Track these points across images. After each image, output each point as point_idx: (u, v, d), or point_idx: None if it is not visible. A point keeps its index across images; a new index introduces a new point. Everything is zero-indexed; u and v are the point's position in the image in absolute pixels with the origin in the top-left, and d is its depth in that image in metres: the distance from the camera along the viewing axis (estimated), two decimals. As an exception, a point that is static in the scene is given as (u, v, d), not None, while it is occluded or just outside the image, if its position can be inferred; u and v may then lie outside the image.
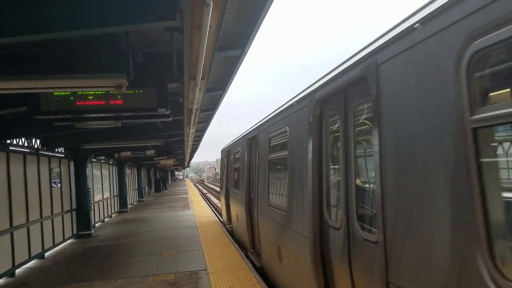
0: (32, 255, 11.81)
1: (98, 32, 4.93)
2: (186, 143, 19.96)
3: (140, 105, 7.19)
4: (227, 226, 15.87)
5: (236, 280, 8.73)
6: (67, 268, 11.22)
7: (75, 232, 15.80)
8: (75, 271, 10.73)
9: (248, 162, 10.45)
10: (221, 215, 30.61)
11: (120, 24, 4.74)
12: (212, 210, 26.68)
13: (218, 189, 73.89)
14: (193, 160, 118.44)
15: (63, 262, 11.98)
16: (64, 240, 14.68)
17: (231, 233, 14.68)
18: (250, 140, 10.29)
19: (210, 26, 3.74)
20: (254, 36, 6.68)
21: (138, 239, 15.01)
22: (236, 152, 12.95)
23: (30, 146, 12.67)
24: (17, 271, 10.89)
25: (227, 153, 15.70)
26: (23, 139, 12.10)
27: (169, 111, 7.33)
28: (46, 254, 12.94)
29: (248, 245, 11.02)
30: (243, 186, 10.82)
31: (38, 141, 13.27)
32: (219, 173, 19.62)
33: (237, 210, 12.51)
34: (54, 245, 13.66)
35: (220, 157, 18.67)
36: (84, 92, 6.80)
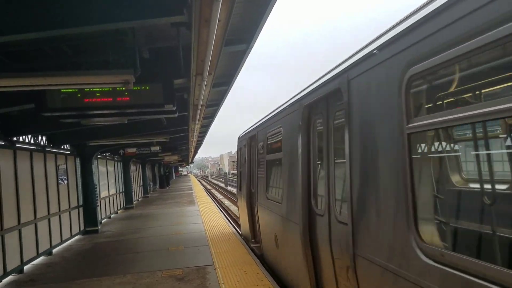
0: (40, 251, 11.89)
1: (105, 28, 4.93)
2: (190, 139, 20.00)
3: (146, 102, 7.19)
4: (252, 245, 10.99)
5: (244, 274, 8.75)
6: (75, 264, 11.29)
7: (82, 228, 15.89)
8: (83, 267, 10.80)
9: (306, 149, 5.82)
10: (226, 211, 30.78)
11: (127, 20, 4.73)
12: (217, 206, 26.78)
13: (222, 185, 73.23)
14: (197, 156, 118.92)
15: (71, 258, 12.06)
16: (72, 236, 14.77)
17: (260, 257, 10.06)
18: (311, 108, 5.74)
19: (219, 21, 3.73)
20: (261, 30, 6.66)
21: (144, 234, 15.08)
22: (271, 136, 8.21)
23: (37, 143, 12.73)
24: (26, 267, 10.97)
25: (249, 140, 10.99)
26: (29, 136, 12.15)
27: (175, 107, 7.33)
28: (54, 250, 13.02)
29: None
30: (295, 191, 6.17)
31: (44, 138, 13.32)
32: (237, 168, 14.28)
33: (278, 230, 7.64)
34: (62, 242, 13.75)
35: (236, 148, 14.19)
36: (91, 89, 6.81)
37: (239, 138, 13.27)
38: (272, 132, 8.06)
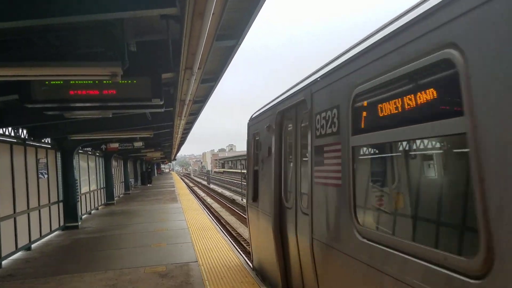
0: (19, 246, 11.63)
1: (95, 19, 4.84)
2: (175, 135, 19.86)
3: (133, 95, 7.10)
4: None
5: (227, 271, 8.75)
6: (55, 260, 11.08)
7: (62, 223, 15.60)
8: (64, 263, 10.61)
9: None
10: (208, 209, 30.65)
11: (118, 11, 4.67)
12: (200, 204, 26.73)
13: (205, 182, 72.03)
14: (179, 154, 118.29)
15: (51, 254, 11.83)
16: (51, 231, 14.49)
17: None
18: None
19: (213, 14, 3.71)
20: (250, 26, 6.64)
21: (126, 231, 14.91)
22: (382, 88, 3.29)
23: (17, 136, 12.44)
24: (4, 262, 10.72)
25: (279, 117, 6.35)
26: (9, 129, 11.88)
27: (162, 101, 7.27)
28: (33, 245, 12.75)
29: None
30: None
31: (25, 131, 13.04)
32: (247, 165, 9.06)
33: None
34: (41, 237, 13.48)
35: (246, 136, 8.88)
36: (77, 81, 6.70)
37: (251, 120, 8.43)
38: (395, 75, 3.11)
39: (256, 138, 7.95)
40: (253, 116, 8.29)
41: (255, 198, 7.96)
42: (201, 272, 8.83)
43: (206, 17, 3.74)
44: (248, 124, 8.65)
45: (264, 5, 5.59)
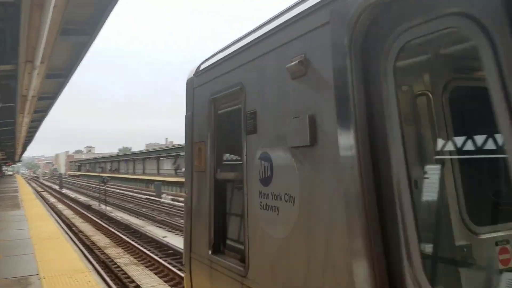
0: None
1: None
2: (18, 134, 17.75)
3: (-40, 87, 6.16)
4: None
5: (73, 284, 8.18)
6: None
7: None
8: None
9: None
10: (59, 216, 28.04)
11: None
12: (49, 211, 24.45)
13: (56, 187, 64.98)
14: (26, 154, 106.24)
15: None
16: None
17: None
18: None
19: (54, 6, 3.45)
20: (104, 23, 6.32)
21: (-50, 244, 12.80)
22: None
23: None
24: None
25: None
26: None
27: (-2, 96, 6.45)
28: None
29: None
30: None
31: None
32: (186, 167, 4.13)
33: None
34: None
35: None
36: None
37: (200, 73, 3.88)
38: None
39: (223, 110, 3.57)
40: (207, 64, 3.83)
41: (219, 247, 3.59)
42: (41, 286, 8.05)
43: (46, 8, 3.45)
44: (189, 81, 4.16)
45: (118, 4, 5.39)
